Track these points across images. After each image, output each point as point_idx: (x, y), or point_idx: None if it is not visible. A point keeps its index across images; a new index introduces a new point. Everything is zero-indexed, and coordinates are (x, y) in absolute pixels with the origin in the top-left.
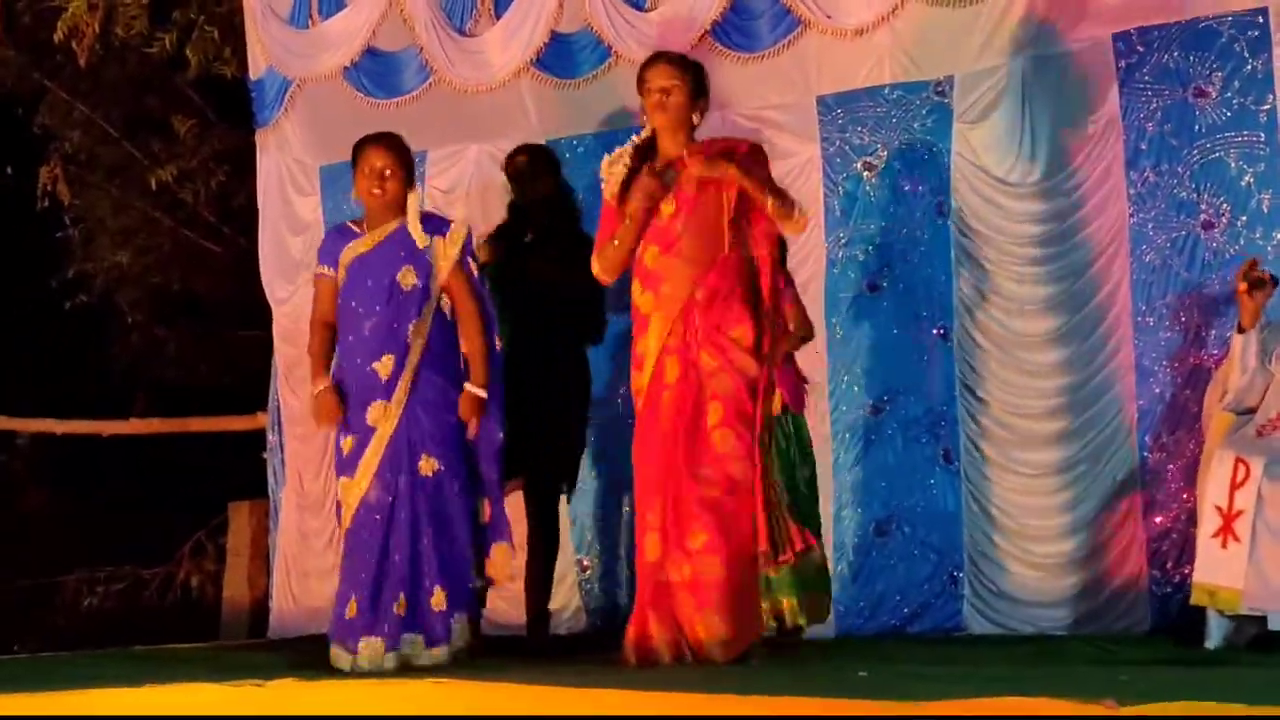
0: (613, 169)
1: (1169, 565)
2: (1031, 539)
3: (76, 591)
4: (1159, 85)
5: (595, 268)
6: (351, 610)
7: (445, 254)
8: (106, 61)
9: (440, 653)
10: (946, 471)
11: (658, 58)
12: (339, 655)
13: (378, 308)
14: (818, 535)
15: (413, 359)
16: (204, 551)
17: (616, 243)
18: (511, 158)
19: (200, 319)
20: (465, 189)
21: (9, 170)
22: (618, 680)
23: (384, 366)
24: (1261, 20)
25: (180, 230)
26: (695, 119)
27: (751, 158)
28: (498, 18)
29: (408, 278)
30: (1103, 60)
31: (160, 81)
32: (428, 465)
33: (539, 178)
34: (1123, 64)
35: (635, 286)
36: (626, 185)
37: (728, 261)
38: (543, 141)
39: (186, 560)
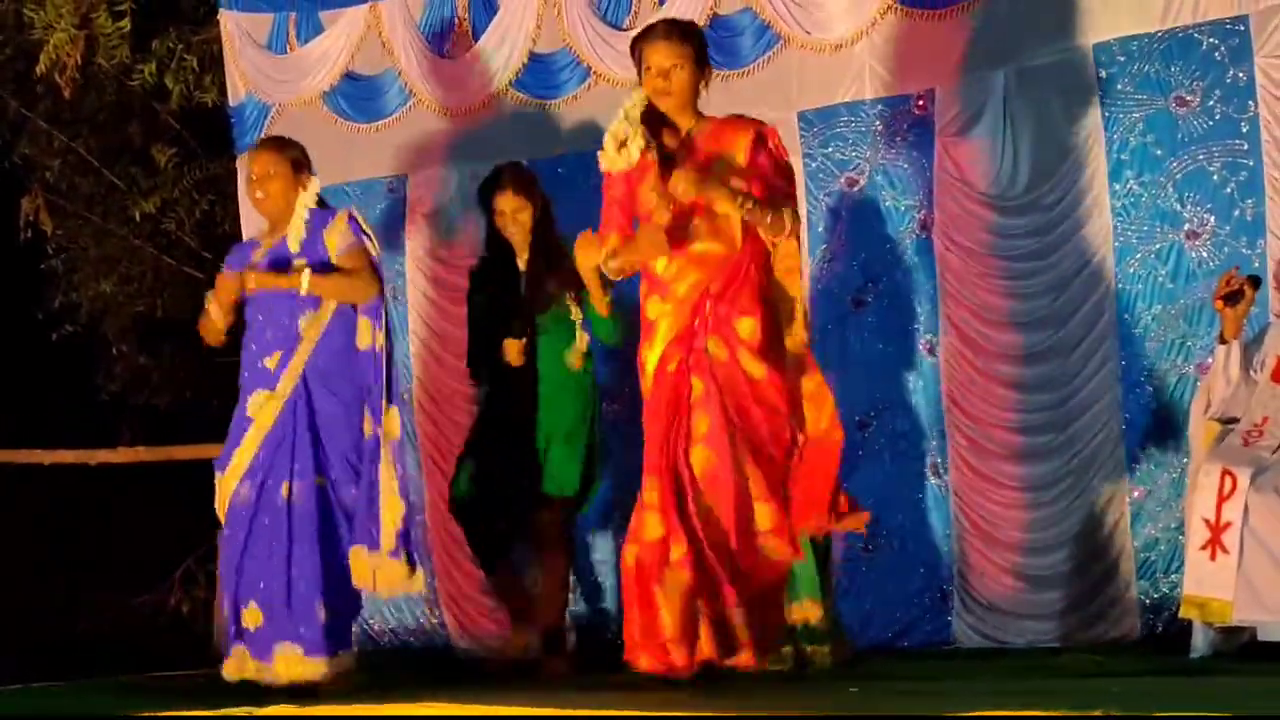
0: (621, 149)
1: (1158, 576)
2: (1020, 552)
3: (66, 620)
4: (1140, 95)
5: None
6: (226, 617)
7: (332, 244)
8: (86, 91)
9: (321, 664)
10: (935, 486)
11: (654, 33)
12: (226, 665)
13: (271, 306)
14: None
15: (302, 351)
16: (194, 579)
17: (613, 260)
18: (494, 179)
19: (185, 346)
20: (448, 212)
21: None
22: (605, 700)
23: (273, 360)
24: (1242, 28)
25: (162, 258)
26: (702, 89)
27: (759, 154)
28: (476, 39)
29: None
30: (1083, 71)
31: (141, 110)
32: (318, 479)
33: (528, 201)
34: (1103, 74)
35: (643, 290)
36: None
37: (742, 257)
38: (523, 162)
39: (177, 587)
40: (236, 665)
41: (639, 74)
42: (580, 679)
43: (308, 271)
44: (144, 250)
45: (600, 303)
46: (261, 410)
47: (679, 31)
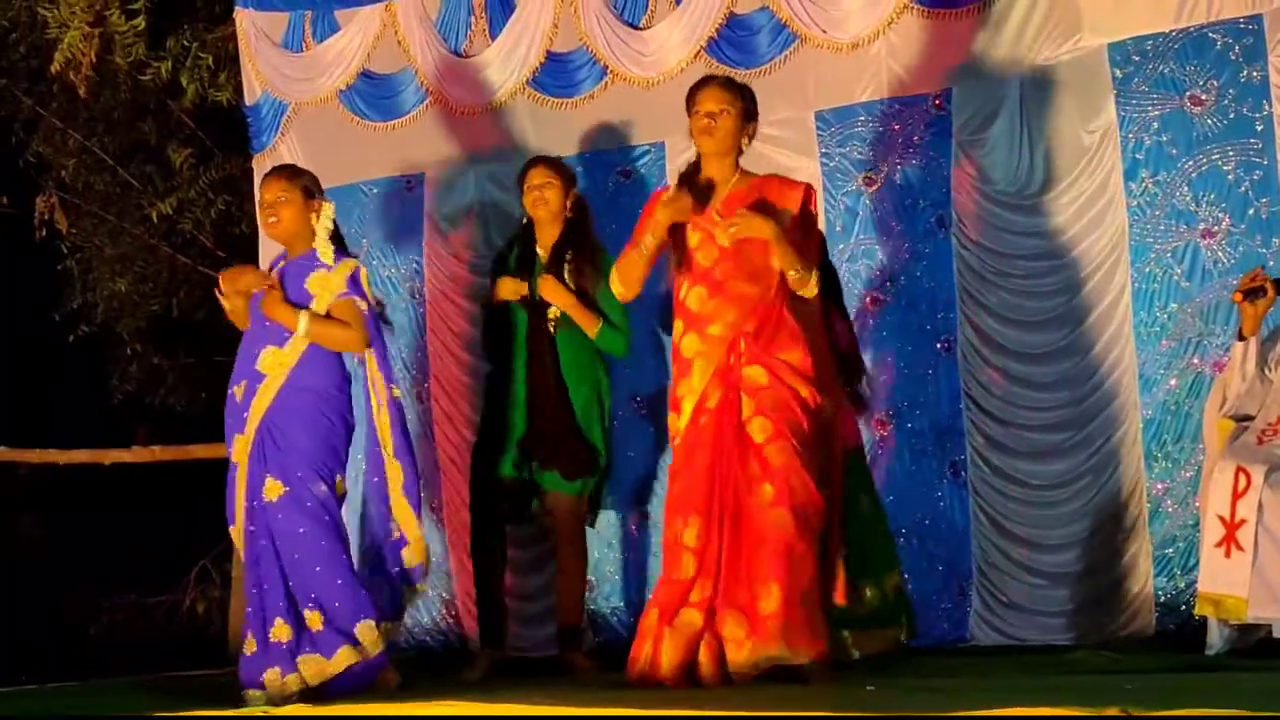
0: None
1: (1175, 572)
2: (1039, 549)
3: (82, 620)
4: (1155, 94)
5: (613, 282)
6: (250, 647)
7: (326, 284)
8: (101, 89)
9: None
10: (954, 484)
11: (708, 80)
12: (250, 695)
13: (245, 334)
14: (892, 565)
15: (268, 387)
16: (209, 578)
17: (632, 260)
18: (529, 170)
19: (200, 346)
20: (464, 211)
21: (4, 200)
22: (621, 699)
23: (239, 390)
24: (1255, 28)
25: (178, 257)
26: (744, 143)
27: (799, 216)
28: (493, 38)
29: None
30: (1099, 70)
31: (155, 108)
32: (272, 489)
33: (555, 175)
34: (1118, 74)
35: (677, 327)
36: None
37: (776, 300)
38: None
39: (192, 587)
40: (271, 684)
41: (689, 121)
42: (602, 676)
43: (306, 314)
44: (159, 249)
45: (589, 327)
46: (240, 452)
47: (730, 83)
